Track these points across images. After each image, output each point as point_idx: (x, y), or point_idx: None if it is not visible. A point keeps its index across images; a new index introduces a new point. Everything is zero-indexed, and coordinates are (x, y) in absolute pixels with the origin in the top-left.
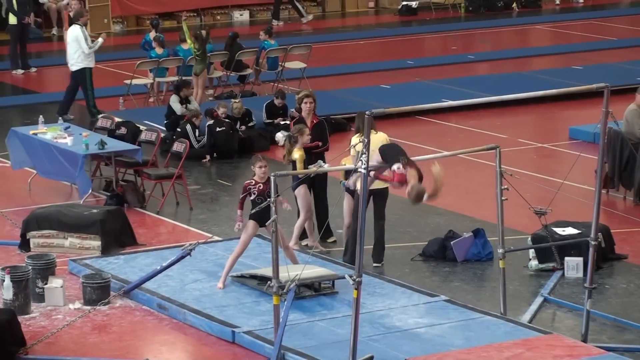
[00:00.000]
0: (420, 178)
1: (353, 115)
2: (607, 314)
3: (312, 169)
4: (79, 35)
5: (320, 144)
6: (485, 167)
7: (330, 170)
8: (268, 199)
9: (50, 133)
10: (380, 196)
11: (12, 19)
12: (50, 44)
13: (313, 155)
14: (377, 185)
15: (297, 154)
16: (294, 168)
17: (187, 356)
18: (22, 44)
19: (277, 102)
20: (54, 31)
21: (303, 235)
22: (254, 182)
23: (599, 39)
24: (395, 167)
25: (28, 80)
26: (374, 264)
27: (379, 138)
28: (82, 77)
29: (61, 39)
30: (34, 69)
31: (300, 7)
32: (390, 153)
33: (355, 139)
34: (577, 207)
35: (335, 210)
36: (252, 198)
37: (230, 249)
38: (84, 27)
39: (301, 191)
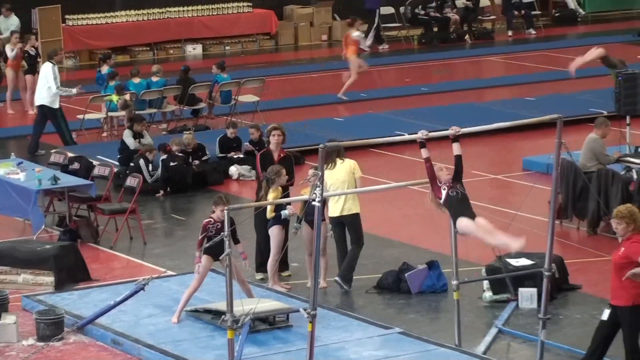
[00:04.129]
0: None
1: (307, 148)
2: (561, 344)
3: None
4: (48, 73)
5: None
6: None
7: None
8: (222, 233)
9: (2, 169)
10: (349, 222)
11: None
12: None
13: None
14: (344, 211)
15: (272, 195)
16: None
17: None
18: None
19: (229, 132)
20: None
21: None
22: (212, 220)
23: (551, 70)
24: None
25: None
26: (337, 277)
27: (344, 167)
28: (51, 114)
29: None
30: None
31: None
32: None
33: (311, 171)
34: (531, 238)
35: (290, 244)
36: (208, 235)
37: (184, 283)
38: (56, 65)
39: (274, 231)
